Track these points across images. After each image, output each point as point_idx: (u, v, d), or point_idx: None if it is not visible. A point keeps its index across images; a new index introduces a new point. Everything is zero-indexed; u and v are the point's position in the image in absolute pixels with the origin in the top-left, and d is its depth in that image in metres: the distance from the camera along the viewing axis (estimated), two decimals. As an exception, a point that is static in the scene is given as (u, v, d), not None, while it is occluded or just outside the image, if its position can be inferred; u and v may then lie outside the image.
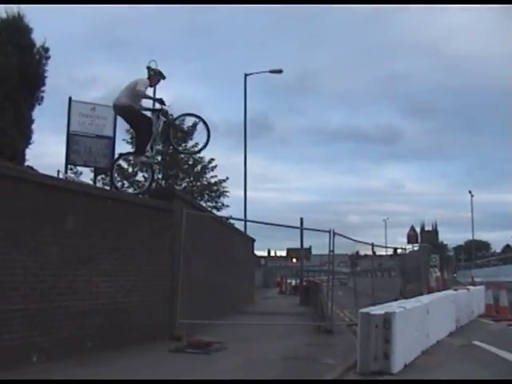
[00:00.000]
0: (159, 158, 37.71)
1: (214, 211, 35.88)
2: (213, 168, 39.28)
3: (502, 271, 48.32)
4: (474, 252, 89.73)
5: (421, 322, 12.51)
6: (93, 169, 20.87)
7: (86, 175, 25.24)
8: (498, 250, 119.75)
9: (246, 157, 38.62)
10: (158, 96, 14.67)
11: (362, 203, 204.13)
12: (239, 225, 31.92)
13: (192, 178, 39.13)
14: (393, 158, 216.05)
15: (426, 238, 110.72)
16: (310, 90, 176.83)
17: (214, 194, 39.16)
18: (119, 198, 12.97)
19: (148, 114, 14.21)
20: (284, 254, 78.91)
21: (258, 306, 26.38)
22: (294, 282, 43.00)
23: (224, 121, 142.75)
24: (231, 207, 39.51)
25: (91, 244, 11.37)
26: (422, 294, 19.11)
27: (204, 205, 34.60)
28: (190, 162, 39.01)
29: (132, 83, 13.57)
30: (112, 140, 19.86)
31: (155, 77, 13.95)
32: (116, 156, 16.06)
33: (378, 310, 10.92)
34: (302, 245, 27.16)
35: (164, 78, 14.04)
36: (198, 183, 39.32)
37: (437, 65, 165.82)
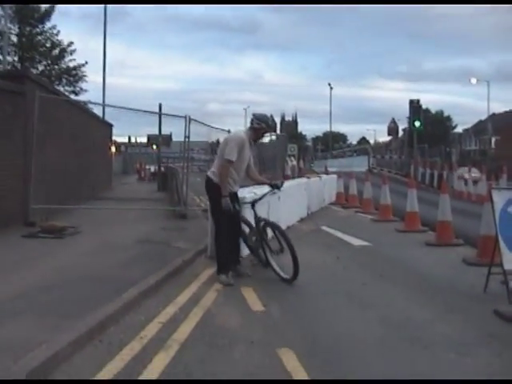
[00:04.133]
0: (15, 39, 36.12)
1: (73, 96, 35.04)
2: (71, 52, 38.11)
3: (354, 162, 50.52)
4: (332, 143, 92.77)
5: (272, 207, 12.96)
6: None
7: None
8: (354, 142, 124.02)
9: (105, 36, 37.44)
10: None
11: (222, 92, 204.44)
12: (98, 110, 31.33)
13: (50, 62, 37.85)
14: (252, 48, 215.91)
15: (286, 127, 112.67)
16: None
17: (72, 79, 38.14)
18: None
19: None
20: (145, 140, 78.14)
21: (115, 192, 26.31)
22: (153, 169, 42.94)
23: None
24: (90, 92, 38.74)
25: None
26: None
27: (62, 89, 33.66)
28: (48, 45, 37.61)
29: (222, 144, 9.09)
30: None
31: (260, 130, 8.94)
32: None
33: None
34: (160, 131, 27.00)
35: (273, 130, 8.65)
36: (56, 67, 38.12)
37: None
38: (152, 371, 4.93)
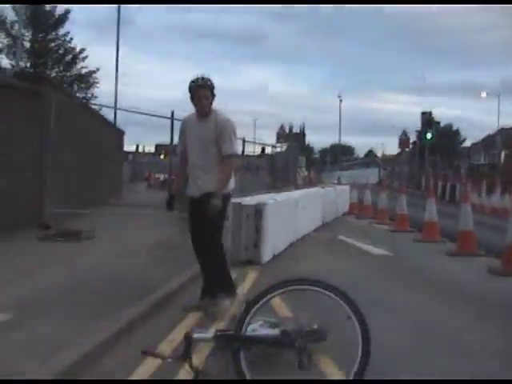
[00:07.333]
0: (28, 45, 36.21)
1: (84, 102, 35.09)
2: (83, 58, 38.30)
3: (365, 174, 50.38)
4: (339, 155, 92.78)
5: (290, 215, 12.81)
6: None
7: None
8: (362, 155, 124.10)
9: (118, 37, 37.25)
10: None
11: (229, 102, 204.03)
12: (109, 117, 31.26)
13: (62, 68, 38.08)
14: (256, 60, 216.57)
15: (294, 139, 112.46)
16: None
17: (84, 85, 38.31)
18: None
19: None
20: (153, 150, 78.05)
21: (127, 200, 26.13)
22: (162, 177, 42.67)
23: (83, 9, 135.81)
24: (101, 99, 38.85)
25: None
26: (289, 191, 19.56)
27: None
28: (61, 51, 37.86)
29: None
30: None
31: (192, 96, 7.09)
32: None
33: (249, 200, 11.06)
34: (171, 137, 26.83)
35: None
36: (69, 73, 38.33)
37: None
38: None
